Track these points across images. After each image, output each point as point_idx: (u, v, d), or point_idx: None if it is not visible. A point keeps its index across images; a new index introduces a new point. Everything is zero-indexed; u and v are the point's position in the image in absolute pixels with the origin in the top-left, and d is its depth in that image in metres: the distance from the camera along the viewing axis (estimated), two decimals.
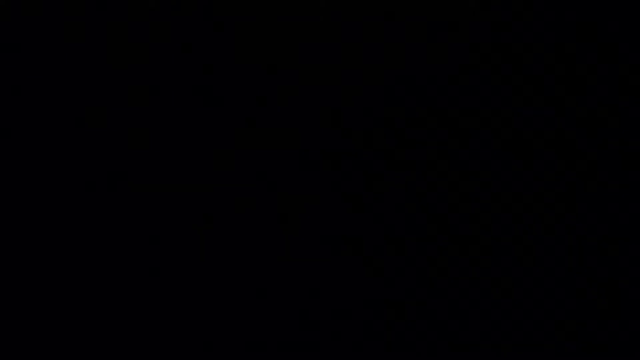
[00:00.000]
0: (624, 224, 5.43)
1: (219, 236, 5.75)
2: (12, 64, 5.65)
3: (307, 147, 6.00)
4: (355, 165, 5.99)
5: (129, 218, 5.77)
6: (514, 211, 5.78)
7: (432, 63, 5.74)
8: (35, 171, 5.75)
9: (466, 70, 5.69)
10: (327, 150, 6.00)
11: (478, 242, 5.49)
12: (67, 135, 5.92)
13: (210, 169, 5.96)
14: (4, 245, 5.36)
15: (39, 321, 4.36)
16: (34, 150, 5.81)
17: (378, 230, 5.71)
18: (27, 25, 5.61)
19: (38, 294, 4.79)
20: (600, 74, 5.44)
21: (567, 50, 5.51)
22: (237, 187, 5.95)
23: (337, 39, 5.71)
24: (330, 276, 5.64)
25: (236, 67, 6.07)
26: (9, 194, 5.72)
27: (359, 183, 5.92)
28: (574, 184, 5.57)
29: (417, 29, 5.75)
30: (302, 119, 5.99)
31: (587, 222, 5.55)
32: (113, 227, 5.67)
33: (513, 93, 5.63)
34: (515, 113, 5.80)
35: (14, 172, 5.70)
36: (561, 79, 5.60)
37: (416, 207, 5.99)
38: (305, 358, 3.96)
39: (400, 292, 5.07)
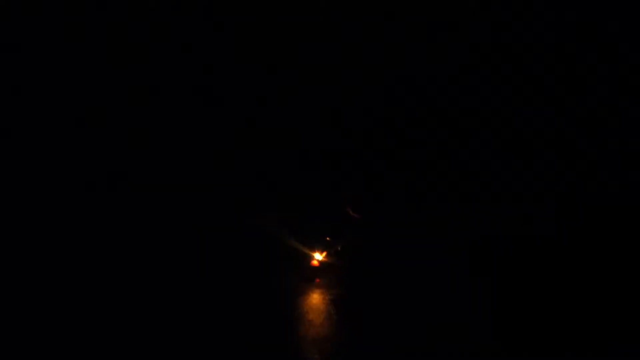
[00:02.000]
0: (624, 224, 5.39)
1: (219, 236, 5.73)
2: (12, 64, 5.63)
3: (307, 147, 5.97)
4: (355, 165, 5.96)
5: (129, 217, 5.74)
6: (514, 211, 5.74)
7: (432, 63, 5.72)
8: (35, 171, 5.73)
9: (466, 70, 5.67)
10: (327, 150, 5.97)
11: (478, 241, 5.47)
12: (67, 135, 5.89)
13: (210, 169, 5.94)
14: (3, 244, 5.34)
15: (39, 320, 4.35)
16: (34, 150, 5.78)
17: (378, 229, 5.67)
18: (27, 25, 5.60)
19: (37, 291, 4.78)
20: (600, 74, 5.42)
21: (567, 50, 5.49)
22: (237, 187, 5.92)
23: (337, 39, 5.69)
24: (330, 276, 5.60)
25: (236, 67, 6.04)
26: (9, 193, 5.69)
27: (359, 183, 5.88)
28: (574, 183, 5.55)
29: (417, 29, 5.73)
30: (302, 119, 5.96)
31: (587, 221, 5.51)
32: (112, 226, 5.65)
33: (513, 93, 5.61)
34: (515, 113, 5.77)
35: (14, 172, 5.67)
36: (561, 79, 5.57)
37: (416, 206, 5.94)
38: (303, 357, 3.98)
39: (400, 293, 5.05)
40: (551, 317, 4.46)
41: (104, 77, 5.92)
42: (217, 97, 6.01)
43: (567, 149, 5.61)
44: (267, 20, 5.86)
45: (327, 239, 5.65)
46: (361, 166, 5.89)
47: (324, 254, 5.33)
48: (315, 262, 5.17)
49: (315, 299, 4.63)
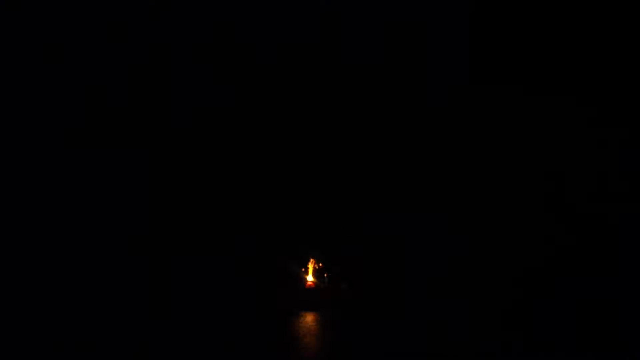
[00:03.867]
0: (624, 224, 5.54)
1: (218, 235, 5.84)
2: (12, 64, 5.76)
3: (307, 146, 6.11)
4: (355, 164, 6.11)
5: (128, 217, 5.87)
6: (514, 211, 5.88)
7: (432, 63, 5.85)
8: (35, 170, 5.88)
9: (466, 70, 5.78)
10: (327, 150, 6.11)
11: (478, 241, 5.58)
12: (67, 135, 6.03)
13: (211, 169, 6.07)
14: (3, 244, 5.47)
15: (38, 319, 4.43)
16: (34, 150, 5.93)
17: (378, 229, 5.80)
18: (28, 25, 5.73)
19: (37, 291, 4.89)
20: (600, 74, 5.53)
21: (567, 50, 5.60)
22: (237, 187, 6.05)
23: (337, 38, 5.83)
24: (330, 275, 5.73)
25: (236, 67, 6.19)
26: (9, 192, 5.84)
27: (359, 183, 6.03)
28: (574, 183, 5.67)
29: (417, 29, 5.87)
30: (302, 119, 6.11)
31: (586, 221, 5.65)
32: (112, 226, 5.78)
33: (513, 93, 5.72)
34: (515, 113, 5.90)
35: (14, 172, 5.82)
36: (561, 79, 5.69)
37: (416, 206, 6.09)
38: (300, 357, 4.04)
39: (400, 295, 5.15)
40: (552, 317, 4.49)
41: (104, 77, 6.01)
42: (217, 97, 6.10)
43: (567, 149, 5.68)
44: (267, 20, 5.94)
45: (326, 275, 5.88)
46: (361, 167, 5.98)
47: (313, 275, 5.45)
48: (309, 283, 5.29)
49: (311, 322, 4.68)
